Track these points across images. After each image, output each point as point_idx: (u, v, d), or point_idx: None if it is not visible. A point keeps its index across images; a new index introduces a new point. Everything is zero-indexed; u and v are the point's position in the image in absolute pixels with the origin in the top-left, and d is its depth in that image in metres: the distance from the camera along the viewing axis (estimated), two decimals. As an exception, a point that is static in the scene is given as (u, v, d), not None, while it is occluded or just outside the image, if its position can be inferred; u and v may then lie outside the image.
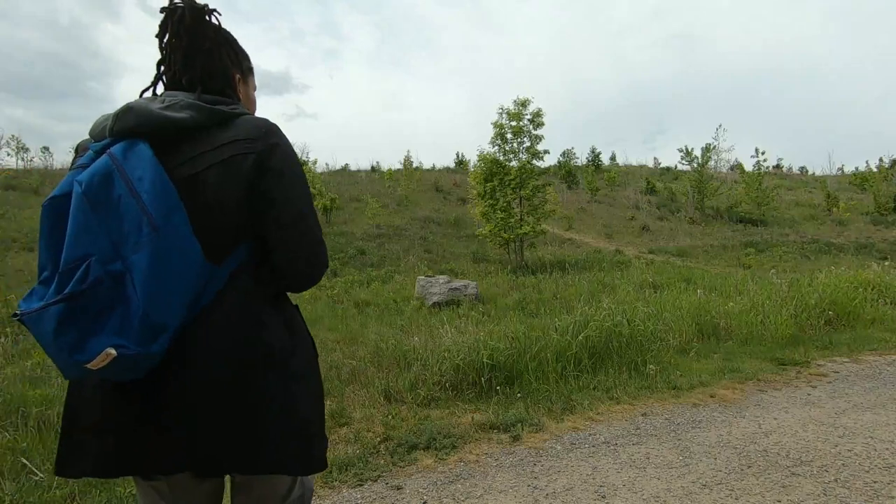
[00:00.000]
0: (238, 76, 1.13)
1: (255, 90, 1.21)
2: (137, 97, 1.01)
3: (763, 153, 27.39)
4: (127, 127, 0.92)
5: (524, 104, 13.36)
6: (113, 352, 0.81)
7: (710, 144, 23.91)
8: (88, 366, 0.81)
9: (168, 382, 0.92)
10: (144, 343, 0.84)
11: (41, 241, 0.89)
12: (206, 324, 0.94)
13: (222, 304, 0.96)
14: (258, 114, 1.15)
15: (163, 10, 1.03)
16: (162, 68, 1.06)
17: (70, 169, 0.96)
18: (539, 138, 13.51)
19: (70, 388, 0.98)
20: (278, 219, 1.00)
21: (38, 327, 0.82)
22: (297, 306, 1.12)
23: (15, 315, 0.85)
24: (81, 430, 0.96)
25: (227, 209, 0.95)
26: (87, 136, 1.02)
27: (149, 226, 0.85)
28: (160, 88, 1.08)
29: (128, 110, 0.93)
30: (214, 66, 1.06)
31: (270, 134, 1.00)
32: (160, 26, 1.04)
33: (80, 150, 1.02)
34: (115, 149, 0.90)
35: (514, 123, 13.37)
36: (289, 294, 1.12)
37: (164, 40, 1.05)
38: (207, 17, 1.06)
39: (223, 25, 1.10)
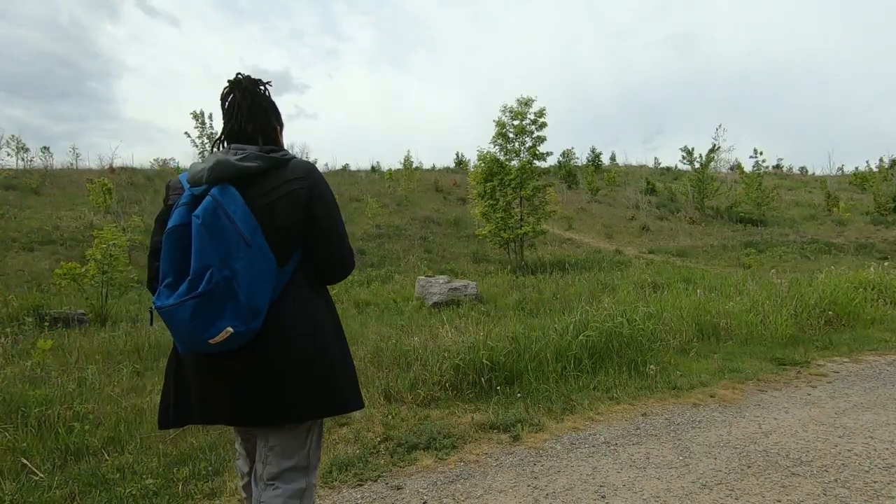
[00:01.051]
0: (279, 128, 1.52)
1: (282, 139, 1.58)
2: (213, 151, 1.42)
3: (762, 153, 27.33)
4: (217, 176, 1.28)
5: (527, 103, 13.26)
6: (231, 329, 1.20)
7: (714, 145, 23.86)
8: (212, 341, 1.19)
9: (254, 353, 1.29)
10: (248, 323, 1.23)
11: (165, 257, 1.25)
12: (278, 309, 1.31)
13: (288, 294, 1.35)
14: None
15: (229, 81, 1.42)
16: (230, 123, 1.42)
17: (166, 203, 1.39)
18: (542, 139, 13.47)
19: (176, 367, 1.39)
20: (322, 235, 1.40)
21: (175, 316, 1.19)
22: (329, 294, 1.52)
23: (152, 309, 1.26)
24: (188, 394, 1.36)
25: (289, 228, 1.33)
26: (179, 174, 1.40)
27: (244, 244, 1.23)
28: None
29: (217, 164, 1.28)
30: (266, 121, 1.45)
31: (313, 172, 1.40)
32: (226, 91, 1.43)
33: (171, 188, 1.41)
34: (214, 191, 1.26)
35: (516, 122, 13.32)
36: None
37: (229, 101, 1.42)
38: (262, 88, 1.45)
39: (270, 95, 1.50)
